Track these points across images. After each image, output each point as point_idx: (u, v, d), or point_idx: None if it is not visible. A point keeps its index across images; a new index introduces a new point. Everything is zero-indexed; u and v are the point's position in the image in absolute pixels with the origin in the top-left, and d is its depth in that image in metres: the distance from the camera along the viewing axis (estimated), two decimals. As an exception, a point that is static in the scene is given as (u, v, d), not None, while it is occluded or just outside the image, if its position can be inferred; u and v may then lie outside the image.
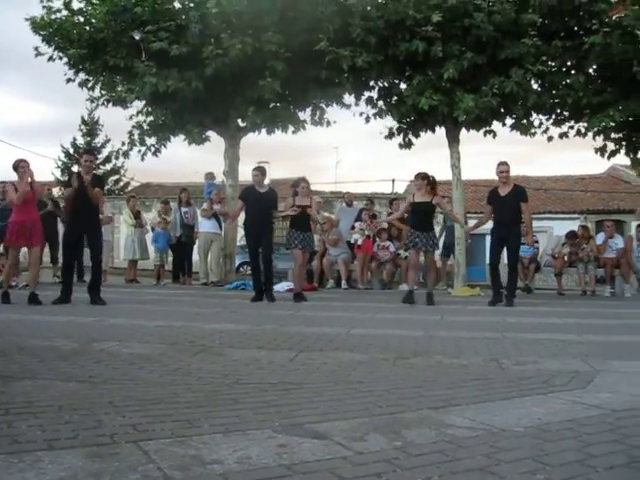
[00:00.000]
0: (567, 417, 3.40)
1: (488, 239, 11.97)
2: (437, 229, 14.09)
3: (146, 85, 13.84)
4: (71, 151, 42.73)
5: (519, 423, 3.25)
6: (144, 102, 15.67)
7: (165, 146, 16.32)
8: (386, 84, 15.38)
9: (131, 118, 16.16)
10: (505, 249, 10.88)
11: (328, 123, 15.92)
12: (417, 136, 15.60)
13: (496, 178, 11.39)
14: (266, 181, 11.36)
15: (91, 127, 43.18)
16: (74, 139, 43.19)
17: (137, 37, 13.47)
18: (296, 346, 5.74)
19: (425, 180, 10.74)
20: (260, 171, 11.28)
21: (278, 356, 5.28)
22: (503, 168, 10.93)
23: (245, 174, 29.63)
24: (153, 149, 16.16)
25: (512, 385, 4.26)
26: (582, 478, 2.47)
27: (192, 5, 14.56)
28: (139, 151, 16.19)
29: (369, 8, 13.85)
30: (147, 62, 13.93)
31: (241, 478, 2.40)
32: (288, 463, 2.58)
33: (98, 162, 42.95)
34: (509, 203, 10.67)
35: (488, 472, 2.52)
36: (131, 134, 16.09)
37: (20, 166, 9.54)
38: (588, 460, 2.69)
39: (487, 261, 11.59)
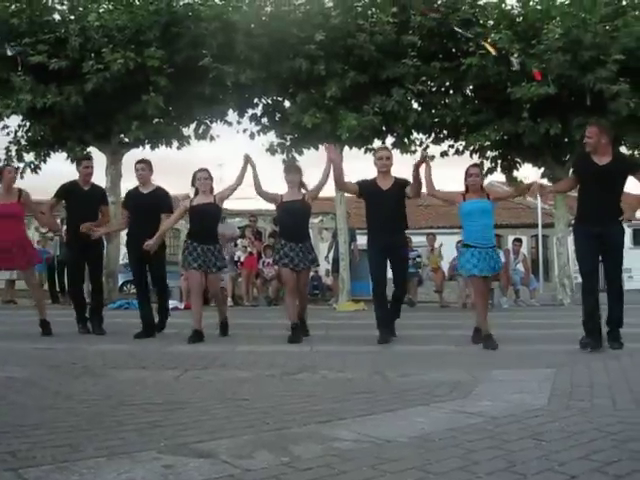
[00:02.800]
0: (449, 426, 3.49)
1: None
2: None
3: (22, 101, 13.39)
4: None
5: (403, 434, 3.32)
6: (21, 117, 15.12)
7: (45, 162, 15.81)
8: (270, 101, 15.47)
9: (7, 133, 15.57)
10: (390, 263, 7.75)
11: (212, 138, 15.82)
12: (300, 153, 15.72)
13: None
14: (154, 180, 8.62)
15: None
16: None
17: (10, 53, 12.99)
18: (181, 365, 5.67)
19: (298, 174, 8.14)
20: (146, 164, 8.43)
21: (163, 375, 5.21)
22: (383, 153, 7.91)
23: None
24: (32, 166, 15.61)
25: (396, 397, 4.35)
26: (464, 484, 2.55)
27: (72, 18, 14.24)
28: (17, 168, 15.60)
29: (252, 25, 13.89)
30: (24, 76, 13.47)
31: (126, 501, 2.35)
32: (174, 484, 2.54)
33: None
34: (392, 199, 7.62)
35: (374, 483, 2.56)
36: (8, 150, 15.49)
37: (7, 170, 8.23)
38: (470, 466, 2.77)
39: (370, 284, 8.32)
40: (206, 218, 7.89)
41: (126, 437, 3.23)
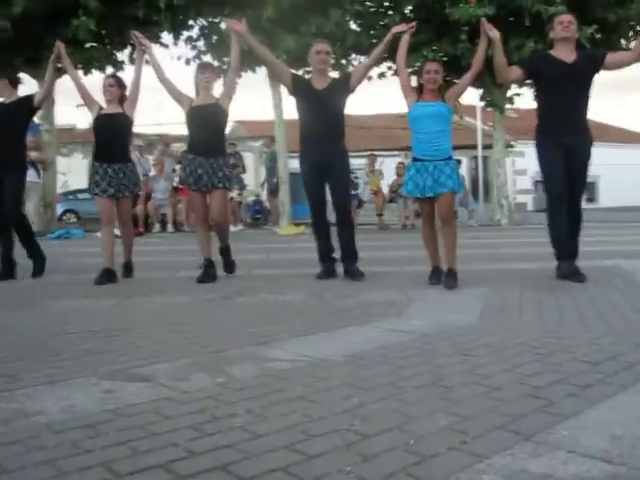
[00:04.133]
0: (381, 344, 3.63)
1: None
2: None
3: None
4: None
5: (338, 353, 3.43)
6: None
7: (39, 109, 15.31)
8: (206, 23, 15.18)
9: None
10: (328, 184, 6.54)
11: (147, 62, 15.47)
12: (239, 77, 15.51)
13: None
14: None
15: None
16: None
17: None
18: (120, 292, 5.71)
19: (213, 73, 6.77)
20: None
21: (102, 303, 5.25)
22: (320, 47, 6.46)
23: (64, 117, 28.35)
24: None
25: (333, 318, 4.48)
26: (393, 399, 2.67)
27: None
28: None
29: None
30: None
31: (66, 426, 2.41)
32: (113, 407, 2.61)
33: None
34: (329, 102, 6.31)
35: (307, 400, 2.67)
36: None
37: None
38: (398, 382, 2.90)
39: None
40: (114, 131, 6.70)
41: (65, 365, 3.28)
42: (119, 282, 6.43)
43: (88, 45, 14.66)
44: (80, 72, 14.94)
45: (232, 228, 14.91)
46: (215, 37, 15.01)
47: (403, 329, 4.02)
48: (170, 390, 2.83)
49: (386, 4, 14.83)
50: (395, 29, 6.37)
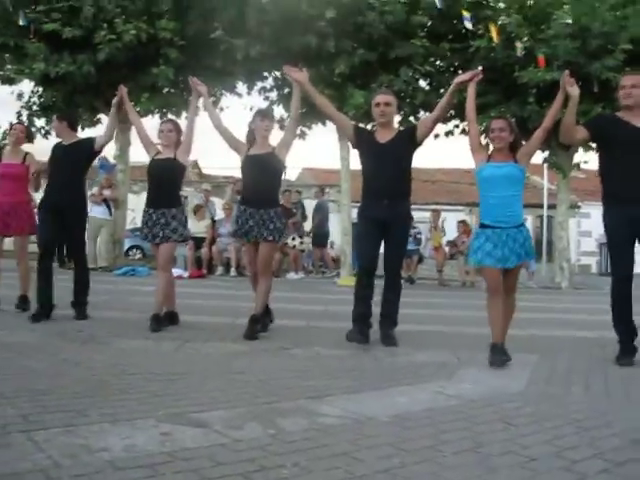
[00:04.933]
0: (428, 407, 3.77)
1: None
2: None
3: (35, 70, 13.65)
4: None
5: (384, 412, 3.59)
6: (34, 84, 15.36)
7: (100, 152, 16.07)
8: (279, 75, 15.65)
9: (20, 98, 15.80)
10: (384, 241, 6.09)
11: (221, 109, 16.08)
12: (309, 128, 15.94)
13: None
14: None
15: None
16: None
17: (22, 22, 13.20)
18: (182, 336, 5.94)
19: (270, 121, 6.52)
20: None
21: (165, 346, 5.48)
22: (380, 98, 6.10)
23: (137, 155, 29.23)
24: (43, 131, 15.86)
25: (383, 376, 4.62)
26: (432, 462, 2.82)
27: (86, -13, 14.38)
28: (27, 126, 15.89)
29: (264, 0, 14.04)
30: (38, 44, 13.70)
31: (127, 464, 2.62)
32: (170, 450, 2.82)
33: None
34: (392, 155, 5.96)
35: (351, 457, 2.84)
36: (19, 114, 15.73)
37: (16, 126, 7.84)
38: (439, 445, 3.05)
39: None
40: (162, 177, 6.66)
41: (127, 405, 3.52)
42: (180, 325, 6.66)
43: (165, 91, 15.27)
44: (157, 117, 15.60)
45: (293, 275, 15.29)
46: (287, 89, 15.44)
47: (451, 393, 4.14)
48: (224, 437, 3.03)
49: (456, 64, 15.07)
50: (459, 78, 5.88)
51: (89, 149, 7.10)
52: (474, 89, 5.69)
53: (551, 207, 23.38)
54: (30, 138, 7.96)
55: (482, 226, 5.41)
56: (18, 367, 4.42)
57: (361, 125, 7.23)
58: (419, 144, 6.11)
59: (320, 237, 16.52)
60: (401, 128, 6.47)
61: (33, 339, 5.53)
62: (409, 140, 6.07)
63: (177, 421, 3.24)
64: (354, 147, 6.38)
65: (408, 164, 6.14)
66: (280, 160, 6.40)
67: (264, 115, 6.51)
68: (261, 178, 6.31)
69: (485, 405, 3.85)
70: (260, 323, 6.27)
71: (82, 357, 4.85)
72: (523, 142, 5.63)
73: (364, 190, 6.22)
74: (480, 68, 5.92)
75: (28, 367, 4.43)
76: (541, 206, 26.00)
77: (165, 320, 6.54)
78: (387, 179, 5.94)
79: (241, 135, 6.56)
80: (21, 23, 13.52)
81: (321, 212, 16.64)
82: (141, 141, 6.92)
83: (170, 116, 15.72)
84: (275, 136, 6.38)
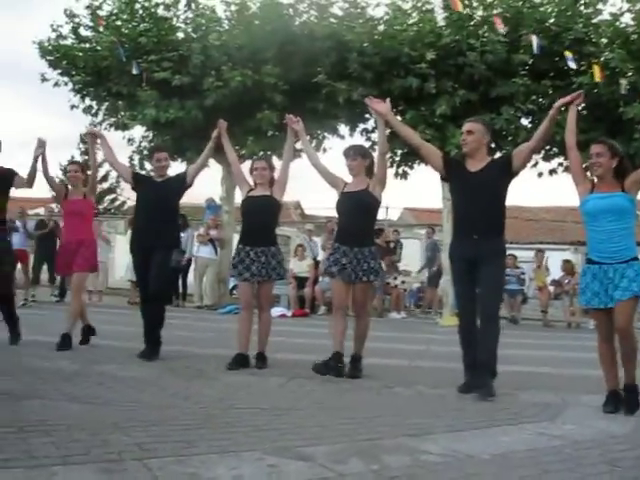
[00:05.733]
0: (531, 446, 3.75)
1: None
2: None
3: (147, 115, 14.33)
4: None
5: (486, 451, 3.59)
6: (145, 128, 16.08)
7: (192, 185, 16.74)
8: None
9: (131, 143, 16.58)
10: (478, 281, 5.53)
11: (324, 150, 16.40)
12: (411, 167, 16.01)
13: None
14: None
15: (115, 168, 43.31)
16: (72, 157, 43.43)
17: (135, 71, 13.90)
18: (287, 373, 6.07)
19: (365, 158, 6.41)
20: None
21: (270, 382, 5.63)
22: (467, 126, 5.72)
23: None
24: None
25: (485, 416, 4.61)
26: (535, 501, 2.82)
27: (195, 37, 15.06)
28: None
29: (366, 44, 14.30)
30: (149, 91, 14.39)
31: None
32: (276, 481, 2.92)
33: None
34: (483, 187, 5.50)
35: (453, 494, 2.87)
36: (131, 159, 16.48)
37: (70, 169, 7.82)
38: (543, 485, 3.04)
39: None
40: (260, 214, 6.57)
41: (235, 438, 3.65)
42: (285, 363, 6.77)
43: (270, 134, 15.68)
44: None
45: (395, 315, 15.28)
46: (389, 130, 15.61)
47: (555, 433, 4.10)
48: (329, 471, 3.12)
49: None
50: (560, 102, 5.39)
51: (181, 183, 7.09)
52: (575, 112, 5.33)
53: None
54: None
55: (589, 261, 4.99)
56: (130, 399, 4.63)
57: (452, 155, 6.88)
58: (515, 174, 5.63)
59: (432, 277, 16.45)
60: (496, 157, 5.89)
61: (143, 374, 5.76)
62: (503, 169, 5.60)
63: (283, 454, 3.34)
64: (443, 179, 5.96)
65: (501, 195, 5.62)
66: (375, 197, 6.24)
67: (346, 155, 6.39)
68: (355, 215, 6.21)
69: (590, 447, 3.79)
70: (360, 362, 6.23)
71: (190, 391, 5.04)
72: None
73: (454, 225, 5.91)
74: (581, 91, 5.45)
75: (140, 400, 4.64)
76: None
77: (257, 361, 6.49)
78: (477, 211, 5.47)
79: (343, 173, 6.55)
80: (134, 72, 14.22)
81: (433, 252, 16.61)
82: (235, 177, 7.08)
83: (275, 159, 16.15)
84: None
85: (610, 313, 4.83)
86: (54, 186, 7.72)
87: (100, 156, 7.83)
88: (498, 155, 10.39)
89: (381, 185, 6.28)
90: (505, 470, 3.25)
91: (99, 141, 7.60)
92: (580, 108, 14.95)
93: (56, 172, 7.76)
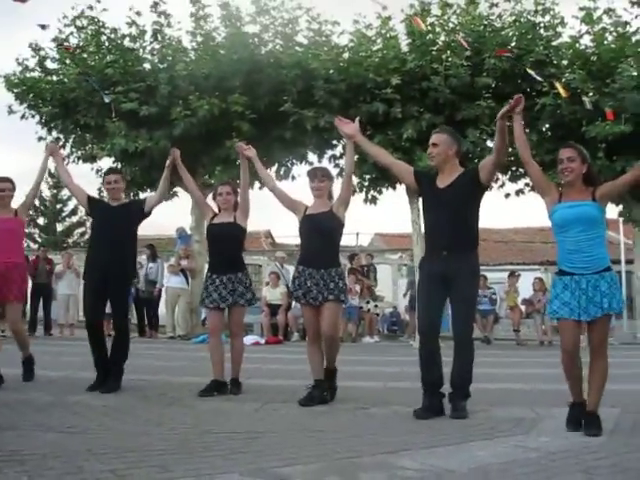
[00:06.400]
0: (507, 459, 3.77)
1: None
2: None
3: (115, 145, 14.34)
4: (37, 203, 42.71)
5: (463, 465, 3.61)
6: (113, 159, 16.06)
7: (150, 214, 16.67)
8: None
9: (100, 175, 16.50)
10: (449, 300, 5.47)
11: (293, 177, 16.46)
12: (380, 192, 16.12)
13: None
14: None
15: (58, 179, 43.25)
16: (40, 191, 43.13)
17: (107, 100, 13.90)
18: (261, 398, 6.04)
19: (330, 180, 6.39)
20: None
21: (245, 407, 5.61)
22: (434, 138, 5.57)
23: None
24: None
25: (461, 432, 4.62)
26: (513, 511, 2.84)
27: (161, 67, 15.14)
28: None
29: (331, 71, 14.48)
30: (118, 122, 14.41)
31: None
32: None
33: (64, 214, 43.05)
34: (452, 202, 5.36)
35: (431, 506, 2.88)
36: (100, 190, 16.38)
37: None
38: (520, 495, 3.06)
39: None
40: (225, 241, 6.54)
41: (211, 461, 3.63)
42: (259, 388, 6.74)
43: (238, 162, 15.71)
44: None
45: (369, 339, 15.30)
46: (357, 156, 15.73)
47: (530, 446, 4.12)
48: (305, 490, 3.10)
49: (522, 122, 15.08)
50: (501, 112, 5.16)
51: (139, 210, 6.86)
52: (519, 123, 5.06)
53: (629, 262, 22.86)
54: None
55: (560, 272, 4.80)
56: (105, 427, 4.59)
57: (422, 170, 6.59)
58: (485, 187, 5.51)
59: (412, 300, 16.50)
60: (465, 169, 5.64)
61: (117, 402, 5.71)
62: (472, 183, 5.40)
63: (260, 475, 3.33)
64: (418, 195, 5.87)
65: (471, 210, 5.47)
66: (338, 218, 6.14)
67: (313, 175, 6.30)
68: (319, 237, 6.09)
69: (565, 457, 3.83)
70: (334, 379, 6.16)
71: (164, 418, 5.00)
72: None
73: (425, 241, 5.80)
74: (520, 95, 5.08)
75: (114, 428, 4.61)
76: (619, 262, 25.48)
77: (231, 387, 6.45)
78: (446, 227, 5.32)
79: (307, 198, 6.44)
80: (106, 101, 14.19)
81: (413, 275, 16.69)
82: (196, 203, 6.94)
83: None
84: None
85: (579, 325, 4.70)
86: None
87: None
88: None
89: (345, 206, 6.23)
90: (482, 482, 3.27)
91: (53, 159, 7.18)
92: (545, 129, 15.25)
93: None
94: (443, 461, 3.69)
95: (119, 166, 16.27)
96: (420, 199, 5.81)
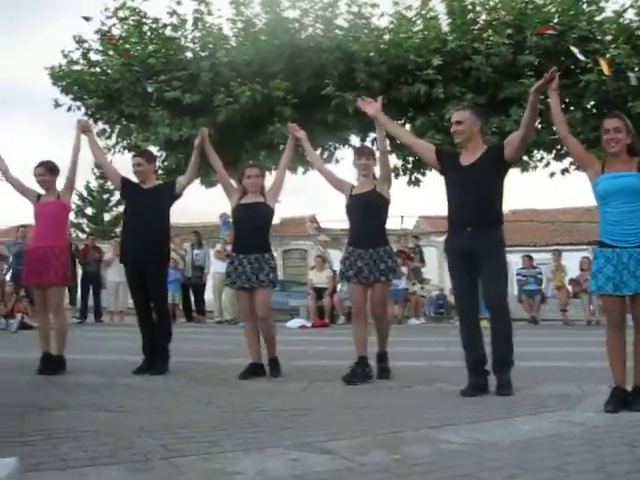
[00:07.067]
0: (551, 432, 3.79)
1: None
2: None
3: (160, 134, 14.53)
4: (84, 194, 43.47)
5: (507, 438, 3.64)
6: (158, 148, 16.28)
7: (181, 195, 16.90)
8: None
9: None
10: (480, 275, 5.39)
11: (337, 161, 16.56)
12: (423, 174, 16.12)
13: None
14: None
15: (104, 170, 43.85)
16: (87, 182, 43.91)
17: (150, 89, 14.10)
18: (306, 377, 6.12)
19: (371, 158, 6.32)
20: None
21: (291, 387, 5.69)
22: (453, 118, 5.56)
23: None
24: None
25: (505, 408, 4.63)
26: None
27: (203, 55, 15.31)
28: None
29: (372, 54, 14.51)
30: (161, 111, 14.62)
31: (259, 486, 2.81)
32: (300, 474, 2.99)
33: (111, 204, 43.69)
34: (477, 178, 5.29)
35: (474, 477, 2.92)
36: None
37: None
38: (563, 466, 3.08)
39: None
40: (253, 221, 6.47)
41: (258, 436, 3.71)
42: (305, 368, 6.84)
43: (282, 147, 15.83)
44: (273, 172, 16.18)
45: (414, 321, 15.30)
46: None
47: (575, 420, 4.13)
48: (350, 462, 3.17)
49: (567, 100, 14.93)
50: (535, 86, 5.13)
51: (170, 192, 6.87)
52: (556, 98, 5.01)
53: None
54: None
55: (601, 244, 4.68)
56: (155, 407, 4.72)
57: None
58: (509, 164, 5.44)
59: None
60: (489, 146, 5.56)
61: (167, 383, 5.85)
62: (496, 160, 5.33)
63: (305, 449, 3.40)
64: (440, 173, 5.66)
65: (496, 187, 5.41)
66: (383, 196, 6.20)
67: (361, 153, 6.40)
68: (366, 217, 6.15)
69: (610, 431, 3.82)
70: (387, 361, 6.26)
71: (213, 398, 5.11)
72: None
73: (448, 219, 5.58)
74: (555, 68, 5.03)
75: (165, 407, 4.73)
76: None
77: (270, 369, 6.38)
78: (471, 204, 5.27)
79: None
80: (149, 90, 14.40)
81: None
82: (223, 186, 6.87)
83: (288, 172, 16.23)
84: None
85: (623, 300, 4.59)
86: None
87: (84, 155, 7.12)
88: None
89: (387, 183, 6.26)
90: (526, 455, 3.29)
91: (87, 136, 7.04)
92: (589, 106, 15.06)
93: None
94: (487, 435, 3.72)
95: (163, 155, 16.55)
96: (443, 177, 5.64)
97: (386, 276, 6.11)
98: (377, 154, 6.37)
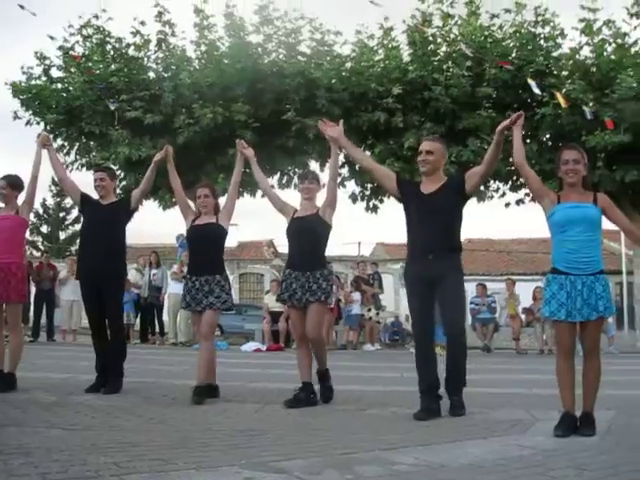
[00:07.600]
0: (501, 456, 3.86)
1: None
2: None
3: (120, 153, 14.48)
4: (40, 211, 42.96)
5: (457, 461, 3.70)
6: (117, 167, 16.19)
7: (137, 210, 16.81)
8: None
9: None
10: (437, 302, 5.52)
11: (295, 186, 16.59)
12: (381, 201, 16.26)
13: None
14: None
15: (61, 188, 43.38)
16: (44, 200, 43.42)
17: (112, 107, 14.06)
18: (262, 399, 6.13)
19: (319, 184, 6.36)
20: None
21: (245, 408, 5.70)
22: (422, 146, 5.66)
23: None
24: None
25: (456, 431, 4.70)
26: (505, 502, 2.92)
27: (166, 76, 15.33)
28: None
29: (334, 81, 14.67)
30: (121, 130, 14.57)
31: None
32: (252, 492, 3.01)
33: (67, 222, 43.21)
34: (438, 207, 5.43)
35: (424, 497, 2.97)
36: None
37: None
38: (511, 488, 3.15)
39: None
40: (205, 242, 6.42)
41: (212, 455, 3.72)
42: (261, 390, 6.83)
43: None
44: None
45: (369, 347, 15.36)
46: (358, 165, 15.89)
47: (525, 444, 4.20)
48: (303, 481, 3.20)
49: (523, 132, 15.21)
50: (501, 126, 5.24)
51: (126, 207, 6.90)
52: (519, 132, 5.13)
53: (630, 273, 22.96)
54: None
55: (554, 271, 4.77)
56: (107, 425, 4.69)
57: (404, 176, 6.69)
58: (468, 196, 5.64)
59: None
60: (449, 177, 5.75)
61: (120, 402, 5.79)
62: (457, 192, 5.51)
63: (259, 468, 3.42)
64: (399, 200, 5.76)
65: (456, 215, 5.57)
66: (325, 221, 6.17)
67: (303, 177, 6.46)
68: (304, 240, 6.12)
69: (560, 455, 3.91)
70: (329, 380, 6.20)
71: (167, 417, 5.09)
72: None
73: (408, 246, 5.64)
74: (521, 112, 5.26)
75: (117, 425, 4.70)
76: (620, 272, 25.58)
77: (206, 392, 6.04)
78: (432, 233, 5.39)
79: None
80: (111, 108, 14.36)
81: None
82: (179, 205, 6.82)
83: (246, 195, 16.24)
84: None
85: (574, 327, 4.70)
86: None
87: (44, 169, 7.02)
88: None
89: (331, 208, 6.22)
90: (476, 476, 3.36)
91: (48, 150, 6.99)
92: (545, 138, 15.38)
93: None
94: (438, 457, 3.78)
95: (122, 174, 16.45)
96: (402, 205, 5.73)
97: (318, 299, 5.99)
98: (326, 179, 6.34)
